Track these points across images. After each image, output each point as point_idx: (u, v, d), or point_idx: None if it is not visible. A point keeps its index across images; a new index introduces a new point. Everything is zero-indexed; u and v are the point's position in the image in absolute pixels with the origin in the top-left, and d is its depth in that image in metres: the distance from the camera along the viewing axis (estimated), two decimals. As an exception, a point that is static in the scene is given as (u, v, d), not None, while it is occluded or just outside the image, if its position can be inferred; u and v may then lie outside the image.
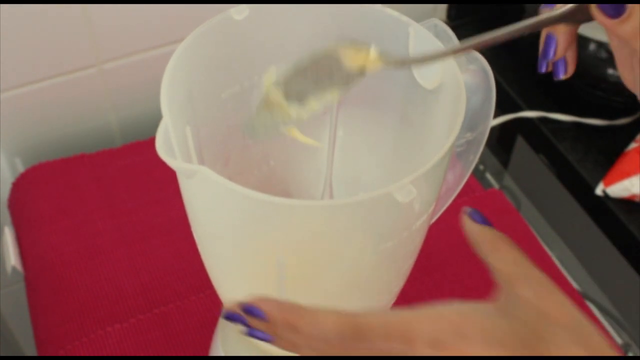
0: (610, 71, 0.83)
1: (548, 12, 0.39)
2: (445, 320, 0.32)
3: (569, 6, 0.38)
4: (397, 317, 0.32)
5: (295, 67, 0.39)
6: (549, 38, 0.40)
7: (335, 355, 0.34)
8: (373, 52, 0.40)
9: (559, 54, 0.40)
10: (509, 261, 0.35)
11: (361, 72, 0.40)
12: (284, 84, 0.40)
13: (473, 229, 0.37)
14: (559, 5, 0.38)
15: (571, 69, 0.41)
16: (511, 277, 0.34)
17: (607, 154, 0.84)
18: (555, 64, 0.41)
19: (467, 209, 0.38)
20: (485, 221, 0.37)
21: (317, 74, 0.40)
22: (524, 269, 0.35)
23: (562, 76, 0.41)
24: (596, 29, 0.40)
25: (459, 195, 0.48)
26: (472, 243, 0.37)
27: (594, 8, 0.36)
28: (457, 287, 0.69)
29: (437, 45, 0.41)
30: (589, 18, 0.37)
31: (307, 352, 0.35)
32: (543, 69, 0.41)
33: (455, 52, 0.40)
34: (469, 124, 0.42)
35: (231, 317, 0.35)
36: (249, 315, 0.34)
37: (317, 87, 0.40)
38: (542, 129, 0.87)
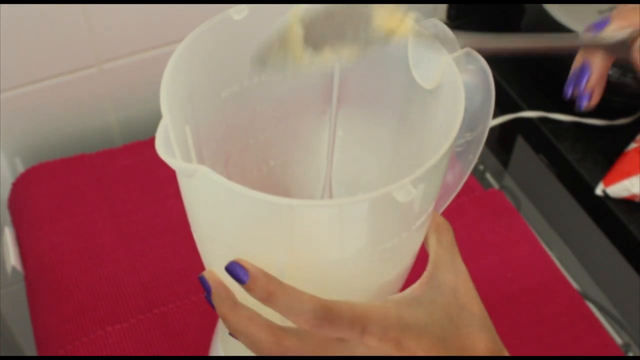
0: (610, 71, 0.83)
1: (593, 37, 0.37)
2: (390, 315, 0.37)
3: (624, 33, 0.36)
4: (359, 309, 0.36)
5: (325, 9, 0.38)
6: (584, 67, 0.40)
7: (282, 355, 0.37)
8: (409, 19, 0.39)
9: (590, 85, 0.39)
10: (443, 244, 0.41)
11: (388, 36, 0.39)
12: (308, 24, 0.38)
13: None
14: (607, 32, 0.37)
15: (595, 102, 0.41)
16: (438, 259, 0.41)
17: (607, 154, 0.84)
18: (580, 94, 0.40)
19: None
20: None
21: (343, 23, 0.39)
22: (451, 256, 0.41)
23: (584, 108, 0.41)
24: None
25: (459, 195, 0.48)
26: None
27: (636, 51, 0.35)
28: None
29: (438, 48, 0.41)
30: (626, 57, 0.36)
31: (265, 343, 0.36)
32: (568, 95, 0.41)
33: (484, 45, 0.39)
34: (469, 124, 0.42)
35: (201, 280, 0.39)
36: (231, 274, 0.36)
37: (338, 38, 0.39)
38: (542, 129, 0.87)
